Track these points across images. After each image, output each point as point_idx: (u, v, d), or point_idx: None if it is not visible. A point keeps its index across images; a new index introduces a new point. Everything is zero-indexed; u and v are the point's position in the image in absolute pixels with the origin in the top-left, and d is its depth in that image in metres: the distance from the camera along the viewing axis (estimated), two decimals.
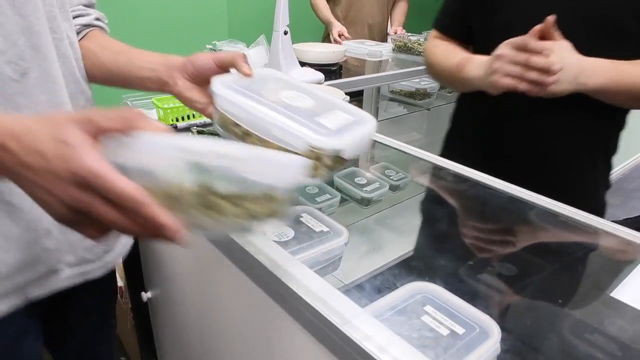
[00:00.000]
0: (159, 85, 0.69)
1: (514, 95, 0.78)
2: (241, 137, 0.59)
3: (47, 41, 0.60)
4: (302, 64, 1.46)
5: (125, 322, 1.36)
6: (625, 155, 3.58)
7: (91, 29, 0.74)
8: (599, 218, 0.74)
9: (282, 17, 1.29)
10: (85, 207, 0.38)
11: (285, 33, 1.32)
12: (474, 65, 0.89)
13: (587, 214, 0.75)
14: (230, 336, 0.73)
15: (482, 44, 0.95)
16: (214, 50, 1.55)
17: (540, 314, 0.59)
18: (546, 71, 0.74)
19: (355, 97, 1.87)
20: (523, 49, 0.75)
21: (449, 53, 0.99)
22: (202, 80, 0.67)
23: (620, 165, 3.53)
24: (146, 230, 0.39)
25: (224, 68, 0.66)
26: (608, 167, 0.97)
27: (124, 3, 2.20)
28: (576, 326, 0.57)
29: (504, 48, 0.79)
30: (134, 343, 1.35)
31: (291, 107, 0.60)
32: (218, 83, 0.61)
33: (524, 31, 0.78)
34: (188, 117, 1.04)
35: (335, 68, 1.64)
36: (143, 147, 0.39)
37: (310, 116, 0.59)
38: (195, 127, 1.00)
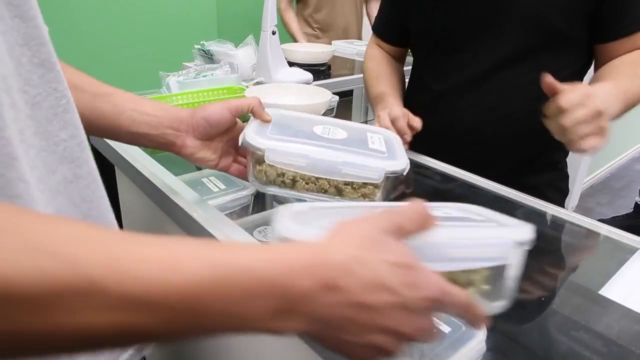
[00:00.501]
0: (159, 145, 0.59)
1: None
2: (289, 185, 0.59)
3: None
4: (291, 64, 1.46)
5: None
6: (612, 155, 3.61)
7: None
8: (586, 217, 0.75)
9: (270, 17, 1.29)
10: (428, 328, 0.33)
11: (274, 33, 1.31)
12: (382, 105, 0.97)
13: (574, 213, 0.75)
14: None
15: (415, 47, 1.05)
16: (203, 50, 1.54)
17: (526, 312, 0.59)
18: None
19: (345, 97, 1.87)
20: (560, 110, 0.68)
21: (376, 76, 1.08)
22: (213, 135, 0.60)
23: (607, 165, 3.57)
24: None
25: (238, 116, 0.61)
26: None
27: (113, 2, 2.18)
28: (563, 324, 0.57)
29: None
30: None
31: (336, 140, 0.61)
32: (255, 137, 0.56)
33: (452, 33, 0.90)
34: None
35: (323, 68, 1.64)
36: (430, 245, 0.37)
37: (360, 145, 0.61)
38: None
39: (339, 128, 0.65)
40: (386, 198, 0.63)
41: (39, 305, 0.23)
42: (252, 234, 0.71)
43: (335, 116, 1.23)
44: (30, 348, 0.25)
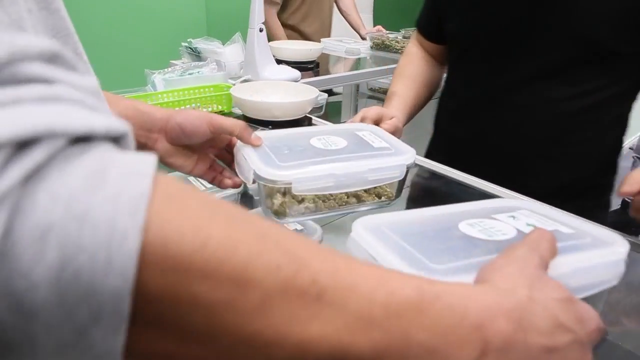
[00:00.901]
0: None
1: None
2: (312, 210, 0.59)
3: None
4: (279, 61, 1.45)
5: None
6: None
7: None
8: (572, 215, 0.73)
9: (257, 15, 1.27)
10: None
11: (261, 30, 1.30)
12: (386, 105, 0.94)
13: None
14: None
15: (449, 50, 0.97)
16: (191, 48, 1.52)
17: None
18: None
19: (333, 95, 1.87)
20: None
21: (399, 73, 1.03)
22: (186, 143, 0.59)
23: None
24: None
25: (217, 134, 0.59)
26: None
27: None
28: None
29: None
30: None
31: (343, 149, 0.61)
32: (269, 169, 0.54)
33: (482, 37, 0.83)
34: None
35: (312, 66, 1.63)
36: None
37: (366, 148, 0.62)
38: None
39: (332, 136, 0.65)
40: (400, 192, 0.65)
41: (265, 302, 0.21)
42: None
43: (325, 114, 1.23)
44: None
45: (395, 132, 0.81)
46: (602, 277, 0.41)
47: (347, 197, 0.61)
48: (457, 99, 0.95)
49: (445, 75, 1.04)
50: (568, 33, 0.76)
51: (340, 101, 2.12)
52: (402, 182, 0.64)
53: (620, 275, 0.41)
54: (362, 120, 0.83)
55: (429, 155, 1.00)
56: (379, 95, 2.35)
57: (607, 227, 0.46)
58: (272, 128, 0.94)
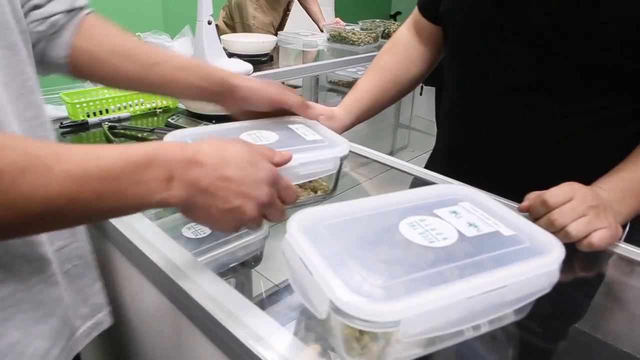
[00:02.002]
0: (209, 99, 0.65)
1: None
2: None
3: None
4: (230, 55, 1.43)
5: None
6: None
7: (78, 16, 0.59)
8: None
9: (205, 6, 1.24)
10: (273, 200, 0.45)
11: (209, 23, 1.27)
12: (343, 101, 0.87)
13: None
14: (142, 342, 0.70)
15: (446, 28, 0.84)
16: None
17: None
18: None
19: (295, 89, 1.85)
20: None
21: (372, 66, 0.91)
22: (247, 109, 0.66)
23: None
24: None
25: (277, 108, 0.66)
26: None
27: None
28: None
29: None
30: None
31: (273, 144, 0.59)
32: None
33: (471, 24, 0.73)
34: (100, 113, 0.99)
35: (265, 59, 1.61)
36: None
37: (298, 142, 0.60)
38: (106, 123, 0.95)
39: (263, 130, 0.63)
40: (336, 186, 0.63)
41: (14, 181, 0.33)
42: (181, 231, 0.69)
43: None
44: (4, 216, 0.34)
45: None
46: (536, 288, 0.41)
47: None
48: (446, 98, 0.85)
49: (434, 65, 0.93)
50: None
51: (301, 95, 2.11)
52: (337, 175, 0.63)
53: (554, 283, 0.41)
54: None
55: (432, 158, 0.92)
56: (339, 88, 2.34)
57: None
58: (216, 122, 0.92)
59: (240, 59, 1.40)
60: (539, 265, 0.40)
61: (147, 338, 0.68)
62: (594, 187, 0.62)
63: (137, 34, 1.50)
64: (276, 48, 1.86)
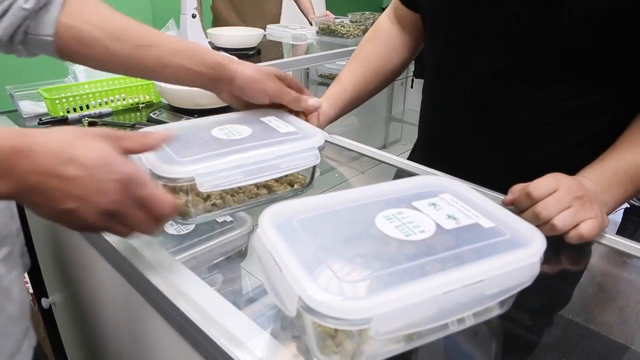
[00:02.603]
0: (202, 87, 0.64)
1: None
2: (220, 206, 0.56)
3: None
4: (216, 48, 1.41)
5: (39, 331, 1.28)
6: None
7: None
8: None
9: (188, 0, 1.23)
10: (123, 209, 0.39)
11: (194, 16, 1.25)
12: (326, 93, 0.84)
13: None
14: (118, 340, 0.69)
15: (423, 17, 0.82)
16: None
17: None
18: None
19: None
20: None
21: (353, 56, 0.90)
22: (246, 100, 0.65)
23: None
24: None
25: (276, 101, 0.65)
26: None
27: None
28: None
29: None
30: (49, 352, 1.28)
31: (248, 138, 0.57)
32: (167, 166, 0.50)
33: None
34: (81, 109, 0.96)
35: (252, 52, 1.59)
36: None
37: (273, 135, 0.59)
38: (87, 118, 0.93)
39: (235, 124, 0.61)
40: (312, 178, 0.62)
41: None
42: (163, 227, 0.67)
43: None
44: None
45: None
46: (516, 281, 0.39)
47: (257, 189, 0.58)
48: (427, 89, 0.85)
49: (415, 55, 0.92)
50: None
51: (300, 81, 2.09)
52: (314, 168, 0.61)
53: (535, 276, 0.40)
54: None
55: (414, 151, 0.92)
56: (330, 82, 2.32)
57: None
58: (198, 117, 0.90)
59: (227, 52, 1.38)
60: (519, 258, 0.39)
61: (121, 332, 0.66)
62: (579, 177, 0.60)
63: None
64: (264, 41, 1.84)
